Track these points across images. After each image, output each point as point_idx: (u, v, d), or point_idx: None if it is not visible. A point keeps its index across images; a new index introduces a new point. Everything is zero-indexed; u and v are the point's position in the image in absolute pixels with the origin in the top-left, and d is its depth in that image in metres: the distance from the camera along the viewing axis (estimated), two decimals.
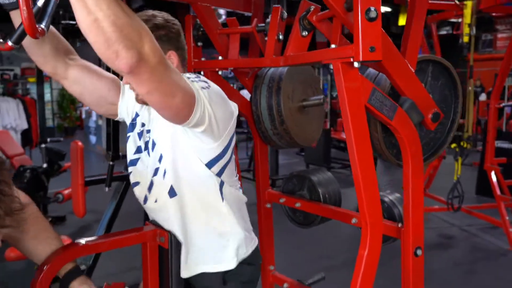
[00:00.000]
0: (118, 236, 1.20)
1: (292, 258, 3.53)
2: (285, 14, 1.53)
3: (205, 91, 1.14)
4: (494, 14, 4.24)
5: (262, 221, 1.99)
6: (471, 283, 3.35)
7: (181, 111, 1.06)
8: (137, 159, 1.34)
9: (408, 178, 1.41)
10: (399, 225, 1.48)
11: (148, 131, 1.31)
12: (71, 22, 2.77)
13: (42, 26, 0.82)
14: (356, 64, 1.14)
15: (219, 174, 1.26)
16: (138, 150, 1.34)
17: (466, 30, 3.64)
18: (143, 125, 1.33)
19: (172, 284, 1.24)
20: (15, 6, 0.93)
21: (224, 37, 1.67)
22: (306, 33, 1.43)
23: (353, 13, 1.10)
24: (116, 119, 1.41)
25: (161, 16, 1.29)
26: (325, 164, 6.96)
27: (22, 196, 1.14)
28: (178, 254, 1.27)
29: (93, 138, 9.79)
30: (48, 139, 3.38)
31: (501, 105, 4.39)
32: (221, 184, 1.27)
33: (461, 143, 3.97)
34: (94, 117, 9.52)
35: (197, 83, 1.15)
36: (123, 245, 1.20)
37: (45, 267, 1.09)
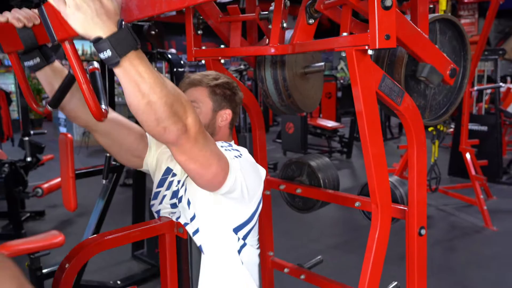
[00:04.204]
0: (136, 228, 1.19)
1: (281, 243, 3.59)
2: (288, 2, 1.53)
3: (237, 160, 1.18)
4: None
5: (262, 208, 2.00)
6: (451, 259, 3.51)
7: (215, 179, 1.09)
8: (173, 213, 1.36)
9: (413, 161, 1.46)
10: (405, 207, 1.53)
11: (183, 186, 1.30)
12: None
13: (104, 107, 0.85)
14: (370, 51, 1.17)
15: (244, 237, 1.30)
16: (174, 206, 1.35)
17: None
18: (179, 182, 1.34)
19: (192, 273, 1.25)
20: (40, 66, 1.00)
21: (225, 25, 1.66)
22: (313, 21, 1.44)
23: (369, 2, 1.12)
24: (138, 170, 1.44)
25: (232, 80, 1.39)
26: (302, 150, 7.04)
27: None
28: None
29: (63, 130, 9.47)
30: (32, 132, 3.24)
31: (475, 89, 4.56)
32: (243, 245, 1.30)
33: (438, 126, 4.11)
34: None
35: (230, 152, 1.20)
36: (142, 238, 1.20)
37: (66, 265, 1.07)
